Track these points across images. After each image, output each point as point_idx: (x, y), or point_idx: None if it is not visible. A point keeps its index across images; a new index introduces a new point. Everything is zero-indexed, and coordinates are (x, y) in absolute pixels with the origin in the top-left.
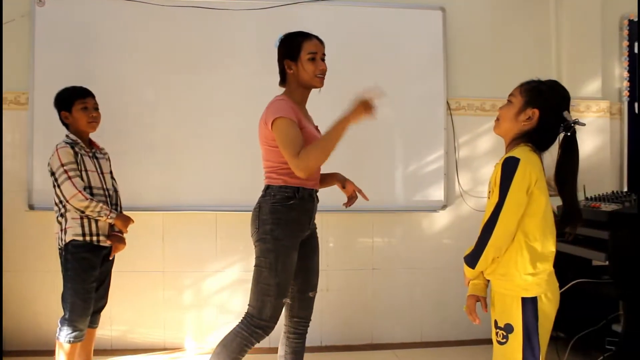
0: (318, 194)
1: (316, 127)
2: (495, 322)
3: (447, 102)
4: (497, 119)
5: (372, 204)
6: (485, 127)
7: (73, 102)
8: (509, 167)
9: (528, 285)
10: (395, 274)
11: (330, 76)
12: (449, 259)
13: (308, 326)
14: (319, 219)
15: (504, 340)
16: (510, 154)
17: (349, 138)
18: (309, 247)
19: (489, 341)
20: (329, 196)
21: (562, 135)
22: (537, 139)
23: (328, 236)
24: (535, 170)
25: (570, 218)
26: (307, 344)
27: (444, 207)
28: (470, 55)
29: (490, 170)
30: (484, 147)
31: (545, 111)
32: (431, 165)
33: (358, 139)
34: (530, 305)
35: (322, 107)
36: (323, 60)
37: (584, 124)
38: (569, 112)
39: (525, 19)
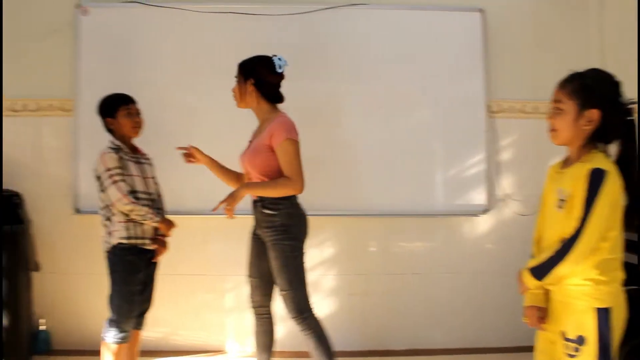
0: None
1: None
2: (563, 333)
3: (488, 105)
4: (553, 129)
5: (412, 208)
6: (527, 130)
7: (117, 108)
8: (596, 180)
9: (603, 295)
10: (435, 279)
11: (370, 80)
12: (491, 264)
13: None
14: (359, 223)
15: (576, 353)
16: (596, 165)
17: (387, 142)
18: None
19: (531, 348)
20: (368, 201)
21: None
22: (605, 136)
23: (368, 240)
24: (619, 181)
25: (637, 208)
26: (348, 348)
27: (485, 211)
28: (511, 57)
29: (533, 174)
30: (527, 150)
31: (606, 108)
32: (472, 169)
33: (396, 142)
34: (604, 316)
35: (364, 110)
36: None
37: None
38: (622, 95)
39: (567, 17)
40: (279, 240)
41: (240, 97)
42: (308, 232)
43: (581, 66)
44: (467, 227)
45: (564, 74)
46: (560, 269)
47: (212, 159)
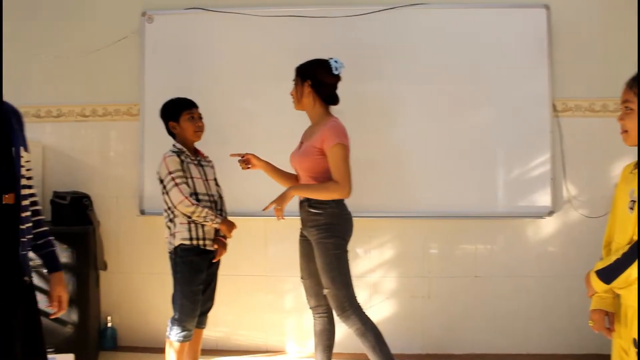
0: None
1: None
2: (635, 341)
3: (553, 104)
4: (624, 131)
5: (474, 210)
6: (595, 129)
7: (180, 113)
8: None
9: None
10: (498, 282)
11: (430, 80)
12: (556, 268)
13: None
14: (420, 224)
15: None
16: None
17: (448, 143)
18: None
19: (600, 357)
20: (429, 202)
21: None
22: None
23: (429, 242)
24: None
25: None
26: (408, 350)
27: (550, 213)
28: (577, 54)
29: (601, 175)
30: (594, 150)
31: None
32: (536, 169)
33: (457, 143)
34: None
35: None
36: None
37: None
38: None
39: (634, 11)
40: (323, 238)
41: (298, 99)
42: (352, 232)
43: None
44: (531, 230)
45: (634, 68)
46: (630, 273)
47: (268, 163)
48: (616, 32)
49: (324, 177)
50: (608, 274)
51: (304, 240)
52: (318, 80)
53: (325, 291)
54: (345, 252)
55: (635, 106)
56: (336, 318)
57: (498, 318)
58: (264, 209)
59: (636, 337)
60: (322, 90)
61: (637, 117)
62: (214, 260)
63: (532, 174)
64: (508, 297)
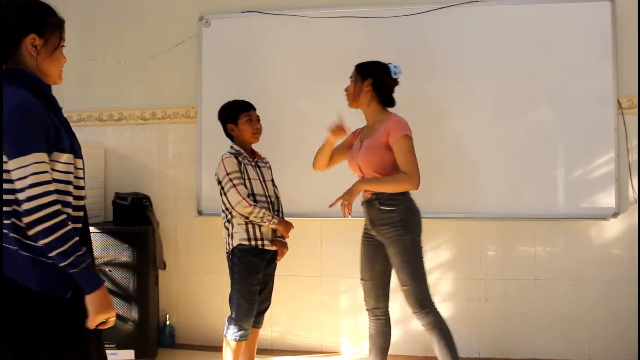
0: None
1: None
2: None
3: (618, 101)
4: None
5: (533, 211)
6: None
7: (238, 115)
8: None
9: None
10: (559, 286)
11: (491, 77)
12: (621, 272)
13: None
14: (477, 226)
15: None
16: None
17: (505, 142)
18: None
19: None
20: (485, 203)
21: None
22: None
23: (487, 244)
24: None
25: None
26: (465, 354)
27: (615, 214)
28: None
29: None
30: None
31: None
32: (600, 169)
33: (515, 142)
34: None
35: (480, 110)
36: None
37: None
38: None
39: None
40: (399, 235)
41: (354, 96)
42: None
43: None
44: (593, 232)
45: None
46: None
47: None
48: None
49: (391, 172)
50: None
51: (369, 241)
52: (379, 80)
53: (404, 288)
54: (421, 248)
55: None
56: (397, 318)
57: (559, 323)
58: (330, 205)
59: None
60: (381, 91)
61: None
62: (278, 261)
63: (595, 174)
64: (570, 302)
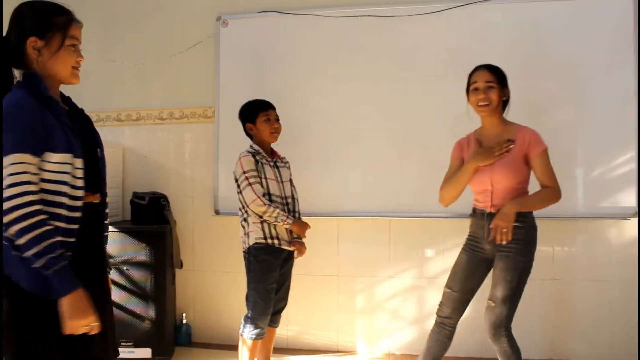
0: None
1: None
2: None
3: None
4: None
5: (551, 211)
6: None
7: (257, 114)
8: None
9: None
10: (577, 287)
11: (517, 76)
12: None
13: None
14: None
15: None
16: None
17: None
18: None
19: None
20: None
21: None
22: None
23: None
24: None
25: None
26: (480, 354)
27: (635, 214)
28: None
29: None
30: None
31: None
32: (620, 168)
33: None
34: None
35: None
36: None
37: None
38: None
39: None
40: (518, 254)
41: (497, 103)
42: None
43: None
44: (613, 232)
45: None
46: None
47: None
48: None
49: (526, 185)
50: None
51: (475, 254)
52: (508, 89)
53: (492, 304)
54: (529, 274)
55: None
56: (413, 318)
57: (577, 324)
58: (489, 240)
59: None
60: (506, 100)
61: None
62: (296, 258)
63: (615, 173)
64: (589, 302)
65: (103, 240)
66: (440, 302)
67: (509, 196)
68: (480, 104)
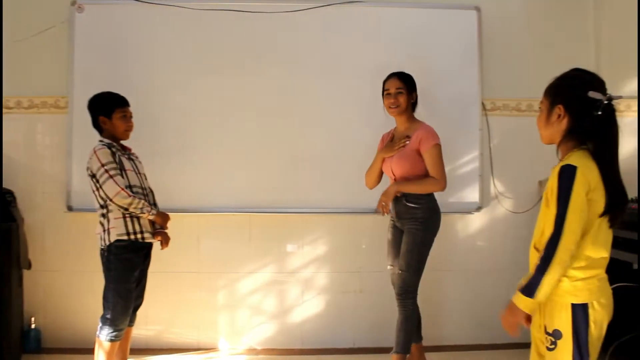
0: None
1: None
2: (544, 327)
3: (482, 103)
4: (539, 129)
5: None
6: (521, 128)
7: (114, 109)
8: (566, 176)
9: (578, 291)
10: (426, 276)
11: (360, 77)
12: (483, 262)
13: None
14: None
15: (552, 346)
16: (566, 161)
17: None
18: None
19: (524, 345)
20: (361, 197)
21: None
22: (578, 132)
23: (361, 238)
24: (593, 175)
25: (614, 202)
26: (339, 345)
27: (478, 208)
28: (506, 55)
29: (526, 172)
30: (520, 147)
31: (567, 101)
32: (466, 166)
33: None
34: (580, 312)
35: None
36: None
37: (619, 97)
38: (600, 91)
39: (562, 16)
40: (416, 229)
41: (405, 106)
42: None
43: (576, 64)
44: (460, 225)
45: (559, 71)
46: (553, 274)
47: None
48: (543, 35)
49: (421, 176)
50: (531, 287)
51: (396, 230)
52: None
53: (398, 272)
54: (430, 246)
55: (542, 105)
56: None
57: (427, 312)
58: (375, 210)
59: (545, 323)
60: (415, 100)
61: (542, 116)
62: (162, 249)
63: (462, 171)
64: (437, 292)
65: None
66: (391, 281)
67: None
68: (391, 106)
